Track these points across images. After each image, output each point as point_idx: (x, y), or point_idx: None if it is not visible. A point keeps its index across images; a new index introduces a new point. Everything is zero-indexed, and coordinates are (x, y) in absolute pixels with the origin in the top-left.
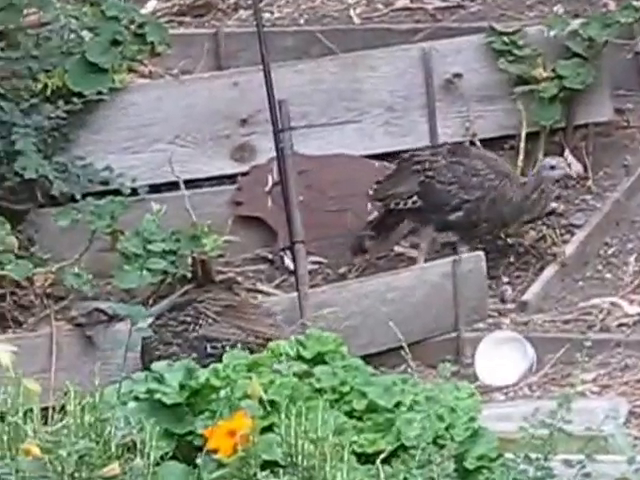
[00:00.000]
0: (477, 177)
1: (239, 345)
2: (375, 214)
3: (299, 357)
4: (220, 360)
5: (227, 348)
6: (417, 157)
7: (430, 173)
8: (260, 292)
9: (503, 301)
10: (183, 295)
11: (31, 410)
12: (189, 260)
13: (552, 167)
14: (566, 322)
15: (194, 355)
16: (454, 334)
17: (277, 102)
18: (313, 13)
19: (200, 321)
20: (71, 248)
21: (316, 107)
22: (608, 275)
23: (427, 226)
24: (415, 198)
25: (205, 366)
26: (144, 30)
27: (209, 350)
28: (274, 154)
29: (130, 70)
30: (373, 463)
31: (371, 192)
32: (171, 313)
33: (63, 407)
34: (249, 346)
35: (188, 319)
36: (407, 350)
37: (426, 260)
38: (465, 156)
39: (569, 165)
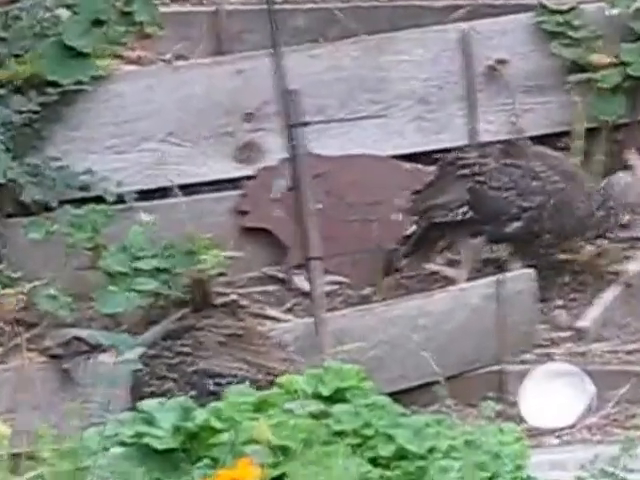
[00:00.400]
0: (537, 180)
1: (246, 383)
2: (412, 228)
3: (315, 394)
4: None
5: (232, 385)
6: (463, 159)
7: (481, 178)
8: (269, 318)
9: (556, 327)
10: (178, 321)
11: None
12: (184, 280)
13: (626, 185)
14: (630, 352)
15: (192, 392)
16: (498, 367)
17: (289, 93)
18: None
19: (200, 352)
20: (45, 265)
21: (334, 99)
22: None
23: (475, 239)
24: (465, 208)
25: (205, 405)
26: (131, 8)
27: (211, 387)
28: (285, 154)
29: (115, 55)
30: None
31: (409, 203)
32: (165, 342)
33: (36, 453)
34: (258, 384)
35: (185, 350)
36: (443, 384)
37: (468, 279)
38: (521, 156)
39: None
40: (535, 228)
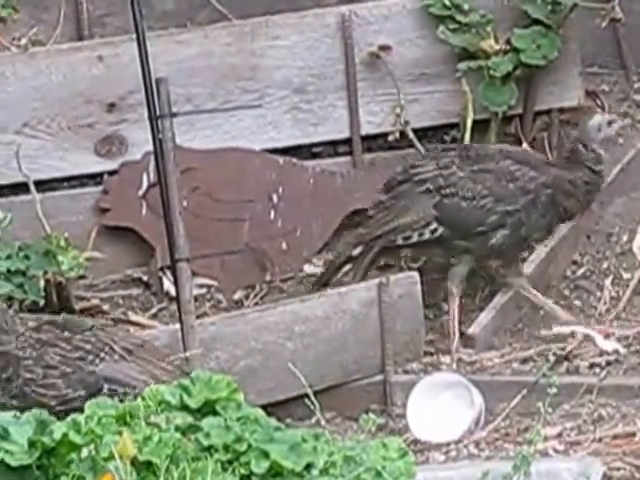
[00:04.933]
0: (515, 182)
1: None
2: (357, 250)
3: (183, 406)
4: None
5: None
6: (420, 174)
7: (448, 190)
8: (132, 324)
9: (443, 335)
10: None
11: None
12: (41, 283)
13: (598, 128)
14: (523, 361)
15: (81, 393)
16: (380, 377)
17: (155, 81)
18: None
19: (103, 354)
20: None
21: (204, 88)
22: (577, 302)
23: (458, 259)
24: (434, 226)
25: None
26: None
27: (105, 390)
28: (150, 147)
29: None
30: None
31: (360, 231)
32: (60, 331)
33: None
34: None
35: (88, 347)
36: (314, 399)
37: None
38: (486, 159)
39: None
40: (522, 232)
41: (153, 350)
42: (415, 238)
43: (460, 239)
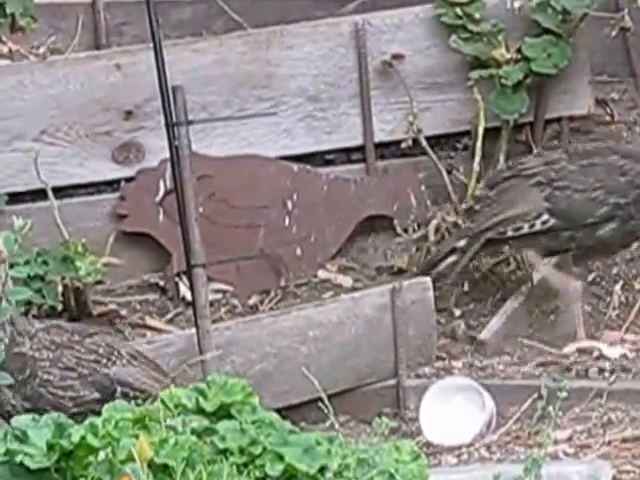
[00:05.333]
0: (625, 176)
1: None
2: (461, 242)
3: (199, 410)
4: None
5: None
6: (529, 169)
7: (561, 183)
8: (149, 328)
9: (455, 340)
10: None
11: None
12: (59, 288)
13: None
14: (534, 366)
15: (95, 395)
16: (393, 381)
17: (171, 89)
18: None
19: (113, 358)
20: None
21: (220, 96)
22: (587, 307)
23: (567, 249)
24: (545, 217)
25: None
26: None
27: (118, 393)
28: (166, 155)
29: None
30: None
31: (467, 224)
32: (70, 334)
33: None
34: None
35: (100, 350)
36: (328, 402)
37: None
38: (593, 154)
39: None
40: (629, 226)
41: (146, 358)
42: (526, 229)
43: (569, 230)
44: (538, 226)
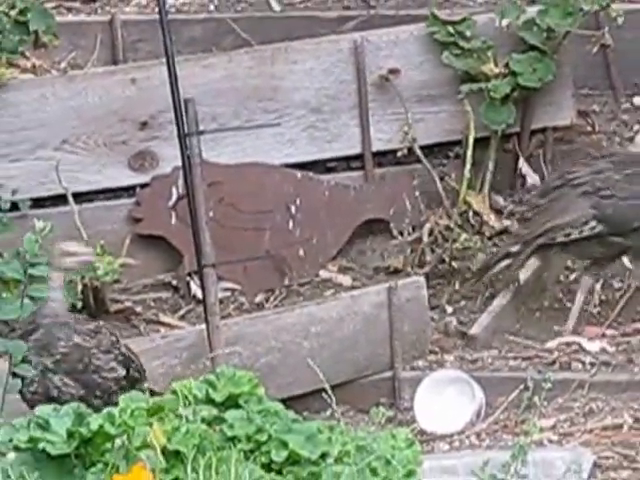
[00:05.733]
0: None
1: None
2: (516, 247)
3: (208, 400)
4: None
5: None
6: (576, 179)
7: (607, 192)
8: (163, 324)
9: (447, 335)
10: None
11: None
12: (79, 287)
13: None
14: (521, 359)
15: (123, 372)
16: (390, 374)
17: (183, 101)
18: None
19: (118, 343)
20: None
21: (228, 108)
22: (569, 304)
23: (620, 253)
24: (593, 224)
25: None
26: (27, 17)
27: (132, 372)
28: (179, 162)
29: (10, 64)
30: None
31: (520, 231)
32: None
33: None
34: None
35: (113, 337)
36: (330, 392)
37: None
38: (637, 163)
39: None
40: None
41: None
42: (575, 235)
43: (617, 235)
44: (586, 232)
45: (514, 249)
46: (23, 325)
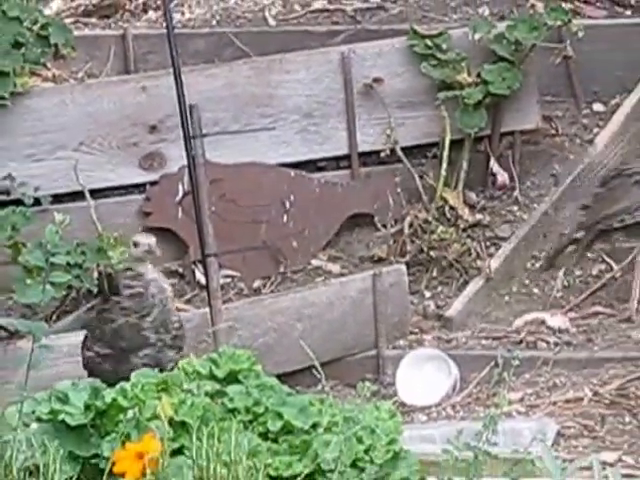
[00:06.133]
0: None
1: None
2: (579, 233)
3: (211, 376)
4: None
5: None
6: (629, 170)
7: None
8: None
9: (425, 317)
10: (90, 310)
11: None
12: (95, 274)
13: None
14: (491, 339)
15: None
16: (374, 352)
17: (188, 107)
18: (226, 14)
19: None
20: None
21: (229, 113)
22: (535, 290)
23: None
24: None
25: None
26: (47, 31)
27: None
28: (185, 162)
29: (33, 74)
30: None
31: (582, 219)
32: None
33: None
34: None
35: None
36: (320, 369)
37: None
38: None
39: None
40: None
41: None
42: (629, 221)
43: None
44: (639, 217)
45: (578, 235)
46: (138, 309)
